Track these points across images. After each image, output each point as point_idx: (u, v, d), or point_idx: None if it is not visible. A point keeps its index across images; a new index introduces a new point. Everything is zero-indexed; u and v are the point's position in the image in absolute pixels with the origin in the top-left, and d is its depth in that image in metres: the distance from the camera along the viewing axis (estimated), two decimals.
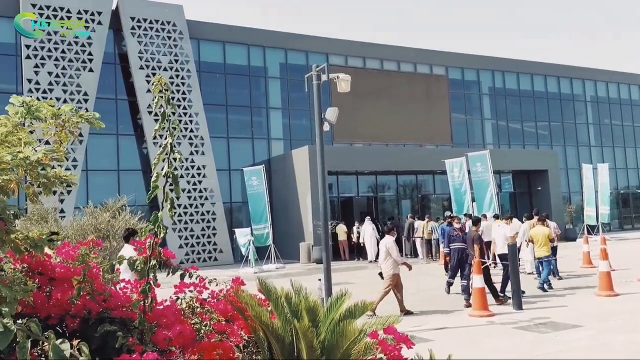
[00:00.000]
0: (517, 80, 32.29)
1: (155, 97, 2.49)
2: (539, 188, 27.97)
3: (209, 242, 21.80)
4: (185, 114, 21.89)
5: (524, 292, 10.66)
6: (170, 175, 2.42)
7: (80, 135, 19.16)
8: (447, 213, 20.49)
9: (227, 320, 3.22)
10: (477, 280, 9.31)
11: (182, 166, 21.43)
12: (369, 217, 21.30)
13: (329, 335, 2.76)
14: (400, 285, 9.73)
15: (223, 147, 23.84)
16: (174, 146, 2.43)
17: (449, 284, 11.33)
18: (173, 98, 22.00)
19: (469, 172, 20.91)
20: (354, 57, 27.08)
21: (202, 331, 3.04)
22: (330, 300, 3.00)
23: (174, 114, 2.43)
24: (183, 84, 22.06)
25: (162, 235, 2.50)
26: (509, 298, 10.01)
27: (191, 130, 21.99)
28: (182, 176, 21.50)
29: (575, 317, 8.60)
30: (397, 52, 28.46)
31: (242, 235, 19.98)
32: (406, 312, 9.46)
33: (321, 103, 9.71)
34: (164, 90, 2.42)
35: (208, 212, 21.97)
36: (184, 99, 22.04)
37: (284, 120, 25.89)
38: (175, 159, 2.42)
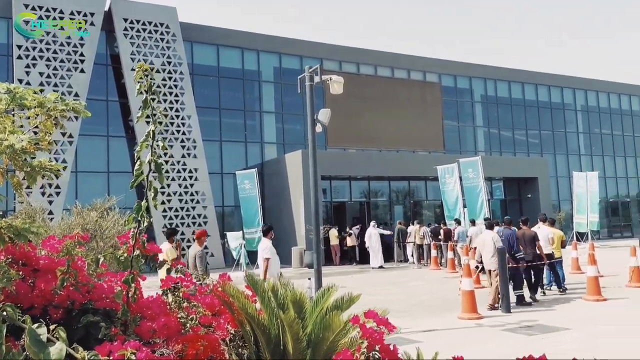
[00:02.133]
0: (508, 89, 32.52)
1: (137, 84, 2.47)
2: (529, 195, 28.12)
3: None
4: (177, 116, 21.83)
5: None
6: (154, 163, 2.41)
7: (70, 136, 19.02)
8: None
9: (215, 315, 3.21)
10: (466, 284, 9.34)
11: (174, 169, 21.36)
12: (374, 222, 21.12)
13: (316, 328, 2.75)
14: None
15: (215, 150, 23.80)
16: (158, 133, 2.42)
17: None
18: (159, 89, 21.64)
19: (460, 178, 21.00)
20: (348, 62, 27.17)
21: (188, 325, 3.02)
22: (318, 294, 2.99)
23: (155, 100, 2.41)
24: (176, 86, 22.02)
25: (145, 224, 2.49)
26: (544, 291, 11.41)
27: (183, 133, 21.92)
28: (173, 179, 21.42)
29: (563, 320, 8.63)
30: (390, 58, 28.59)
31: (234, 239, 19.93)
32: (493, 308, 10.00)
33: (314, 106, 9.73)
34: (146, 76, 2.41)
35: (199, 215, 21.89)
36: (177, 101, 21.99)
37: (277, 125, 25.90)
38: (158, 146, 2.40)
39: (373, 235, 20.06)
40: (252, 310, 2.74)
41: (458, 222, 19.40)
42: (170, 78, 21.92)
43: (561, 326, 8.21)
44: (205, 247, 9.42)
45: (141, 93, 2.44)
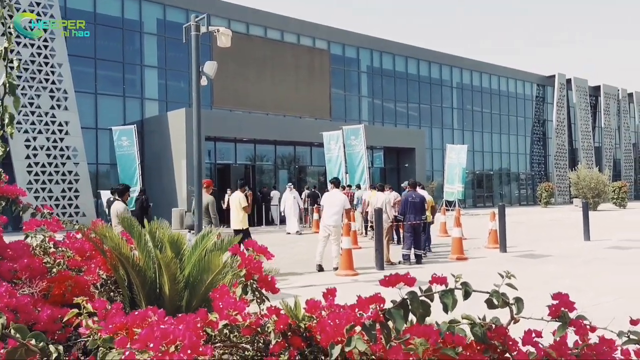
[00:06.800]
0: (393, 62, 33.79)
1: None
2: (407, 165, 29.80)
3: (70, 205, 20.28)
4: (46, 63, 19.91)
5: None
6: (8, 85, 2.18)
7: None
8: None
9: (86, 260, 3.03)
10: (345, 242, 9.75)
11: (41, 120, 19.59)
12: (290, 185, 20.06)
13: (194, 270, 2.71)
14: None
15: (90, 103, 22.16)
16: (10, 51, 2.19)
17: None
18: (25, 30, 19.50)
19: (344, 145, 21.62)
20: (237, 21, 26.41)
21: (55, 270, 2.83)
22: (197, 237, 2.94)
23: (10, 17, 2.17)
24: (45, 30, 19.98)
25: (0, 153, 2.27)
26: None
27: (53, 83, 20.08)
28: (40, 132, 19.67)
29: (429, 277, 9.35)
30: (281, 21, 28.28)
31: None
32: (390, 263, 10.81)
33: (199, 59, 9.37)
34: None
35: (70, 172, 20.39)
36: (46, 47, 20.02)
37: (160, 81, 24.64)
38: (12, 68, 2.18)
39: (288, 200, 18.94)
40: (127, 250, 2.62)
41: (358, 187, 19.78)
42: (38, 20, 19.80)
43: (426, 282, 8.89)
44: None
45: None
